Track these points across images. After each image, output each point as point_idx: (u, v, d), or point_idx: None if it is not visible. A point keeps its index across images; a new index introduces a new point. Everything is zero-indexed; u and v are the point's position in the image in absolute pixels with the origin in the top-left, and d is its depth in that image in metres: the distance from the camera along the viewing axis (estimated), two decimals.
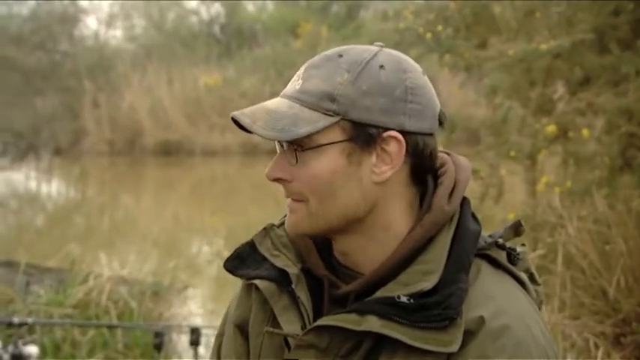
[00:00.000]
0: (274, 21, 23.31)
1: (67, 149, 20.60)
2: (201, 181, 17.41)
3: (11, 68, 18.66)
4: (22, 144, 21.11)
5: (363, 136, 1.06)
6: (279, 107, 1.07)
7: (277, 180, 1.11)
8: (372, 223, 1.10)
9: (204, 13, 24.97)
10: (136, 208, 14.51)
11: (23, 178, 18.34)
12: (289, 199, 1.12)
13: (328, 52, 1.11)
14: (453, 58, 5.70)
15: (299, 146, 1.07)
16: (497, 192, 5.41)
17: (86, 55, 21.21)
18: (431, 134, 1.10)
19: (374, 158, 1.07)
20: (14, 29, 20.02)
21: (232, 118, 1.08)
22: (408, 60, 1.12)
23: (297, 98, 1.07)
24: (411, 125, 1.07)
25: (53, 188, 17.77)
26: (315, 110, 1.06)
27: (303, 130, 1.04)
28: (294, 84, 1.10)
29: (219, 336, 1.28)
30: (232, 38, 23.37)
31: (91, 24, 24.10)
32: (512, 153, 5.34)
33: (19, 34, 19.99)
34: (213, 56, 21.53)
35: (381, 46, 1.11)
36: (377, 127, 1.06)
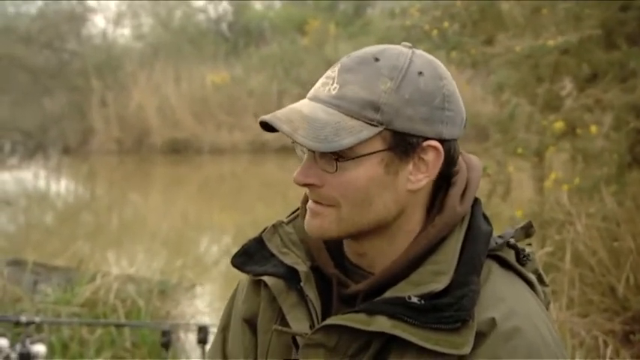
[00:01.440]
0: (282, 19, 23.31)
1: (76, 148, 20.67)
2: (210, 180, 17.44)
3: (19, 67, 18.72)
4: (31, 143, 21.18)
5: (403, 145, 1.05)
6: (316, 114, 1.04)
7: (306, 185, 1.09)
8: (396, 227, 1.10)
9: (212, 11, 25.00)
10: (144, 206, 14.55)
11: (32, 177, 18.41)
12: (314, 203, 1.10)
13: (361, 54, 1.08)
14: (459, 55, 5.68)
15: (339, 156, 1.04)
16: (505, 189, 5.39)
17: (94, 54, 21.26)
18: (457, 139, 1.10)
19: (411, 167, 1.06)
20: (22, 29, 20.08)
21: (262, 122, 1.05)
22: (440, 65, 1.10)
23: (336, 105, 1.04)
24: (447, 133, 1.07)
25: (62, 187, 17.83)
26: (356, 119, 1.03)
27: (346, 141, 1.02)
28: (328, 87, 1.06)
29: (222, 330, 1.27)
30: (240, 36, 23.38)
31: (98, 23, 24.15)
32: (520, 150, 5.32)
33: (27, 33, 20.05)
34: (220, 54, 21.55)
35: (411, 47, 1.09)
36: (417, 136, 1.05)
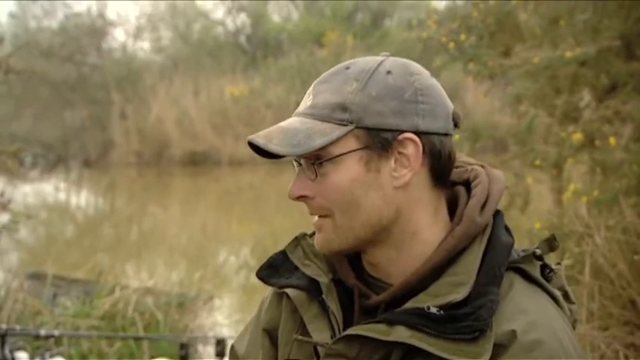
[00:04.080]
0: (299, 31, 23.42)
1: (96, 161, 20.87)
2: (228, 191, 17.51)
3: (41, 81, 18.96)
4: (52, 156, 21.42)
5: (379, 141, 1.06)
6: (292, 125, 1.08)
7: (300, 198, 1.11)
8: (399, 231, 1.10)
9: (230, 24, 25.17)
10: (163, 218, 14.62)
11: (52, 189, 18.59)
12: (315, 217, 1.12)
13: (335, 67, 1.12)
14: (476, 67, 5.67)
15: (316, 160, 1.07)
16: (523, 201, 5.36)
17: (114, 68, 21.49)
18: (446, 134, 1.10)
19: (392, 163, 1.07)
20: (44, 43, 20.34)
21: (249, 143, 1.08)
22: (414, 64, 1.12)
23: (310, 114, 1.08)
24: (424, 125, 1.07)
25: (82, 199, 17.97)
26: (328, 122, 1.06)
27: (318, 142, 1.04)
28: (305, 102, 1.10)
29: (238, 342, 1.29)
30: (258, 48, 23.51)
31: (118, 36, 24.48)
32: (538, 162, 5.29)
33: (48, 47, 20.30)
34: (239, 66, 21.68)
35: (387, 55, 1.12)
36: (391, 130, 1.06)
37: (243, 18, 24.91)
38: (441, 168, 1.10)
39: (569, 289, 1.16)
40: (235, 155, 19.40)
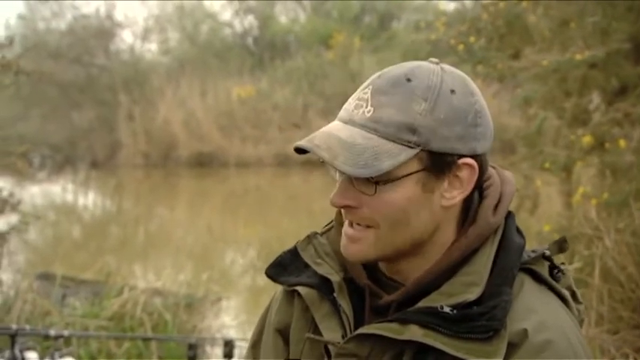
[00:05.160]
0: (307, 32, 23.42)
1: (103, 162, 20.92)
2: (235, 193, 17.52)
3: (49, 82, 19.01)
4: (60, 157, 21.47)
5: (440, 164, 1.05)
6: (354, 139, 1.04)
7: (344, 207, 1.09)
8: (432, 243, 1.10)
9: (238, 26, 25.21)
10: (170, 219, 14.65)
11: (60, 190, 18.64)
12: (350, 228, 1.10)
13: (393, 76, 1.07)
14: (485, 69, 5.66)
15: (378, 178, 1.05)
16: (532, 204, 5.34)
17: (122, 69, 21.54)
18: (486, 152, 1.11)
19: (446, 184, 1.07)
20: (52, 44, 20.41)
21: (297, 148, 1.06)
22: (469, 79, 1.11)
23: (372, 128, 1.04)
24: (480, 148, 1.08)
25: (89, 200, 18.02)
26: (394, 142, 1.03)
27: (386, 165, 1.02)
28: (362, 110, 1.06)
29: (253, 347, 1.28)
30: (265, 50, 23.54)
31: (126, 38, 24.52)
32: (547, 164, 5.28)
33: (56, 49, 20.36)
34: (246, 68, 21.71)
35: (438, 62, 1.10)
36: (453, 154, 1.05)
37: (250, 20, 24.95)
38: (477, 184, 1.11)
39: (576, 288, 1.17)
40: (242, 157, 19.43)
